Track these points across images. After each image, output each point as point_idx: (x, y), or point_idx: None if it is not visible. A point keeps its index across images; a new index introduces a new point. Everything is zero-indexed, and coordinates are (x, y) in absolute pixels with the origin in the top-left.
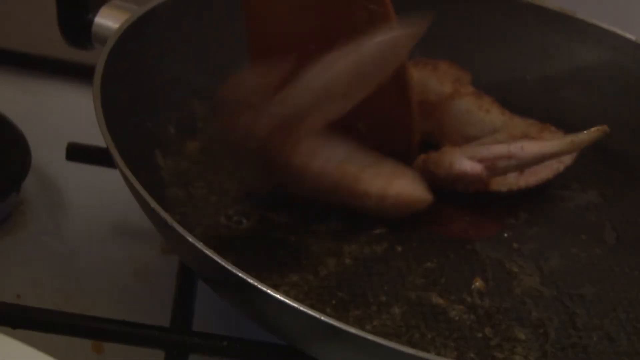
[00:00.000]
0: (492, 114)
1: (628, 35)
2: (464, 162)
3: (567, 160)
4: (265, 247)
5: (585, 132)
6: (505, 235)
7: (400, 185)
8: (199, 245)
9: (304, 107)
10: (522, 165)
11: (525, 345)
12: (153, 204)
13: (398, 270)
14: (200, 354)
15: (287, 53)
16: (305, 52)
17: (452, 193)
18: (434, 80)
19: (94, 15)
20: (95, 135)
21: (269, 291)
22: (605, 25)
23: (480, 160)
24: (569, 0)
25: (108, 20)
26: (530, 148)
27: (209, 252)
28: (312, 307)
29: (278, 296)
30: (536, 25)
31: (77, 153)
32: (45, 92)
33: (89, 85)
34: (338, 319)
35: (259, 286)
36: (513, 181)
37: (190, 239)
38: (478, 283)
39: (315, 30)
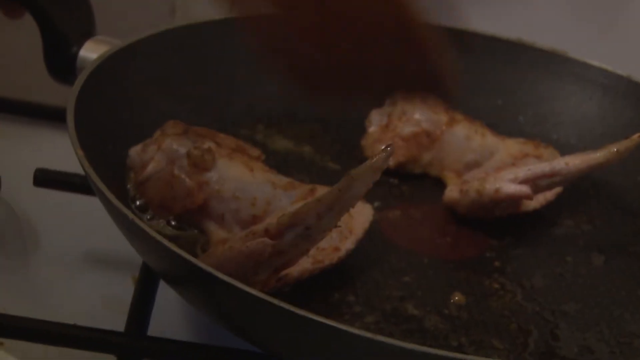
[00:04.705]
0: (487, 138)
1: (619, 72)
2: (511, 186)
3: None
4: None
5: (626, 140)
6: (488, 255)
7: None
8: (165, 242)
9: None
10: (566, 181)
11: (501, 353)
12: (115, 202)
13: (374, 284)
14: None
15: None
16: None
17: (435, 215)
18: (427, 110)
19: (79, 49)
20: (64, 166)
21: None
22: (596, 63)
23: (522, 182)
24: (560, 41)
25: (92, 54)
26: (575, 163)
27: (176, 250)
28: None
29: (251, 292)
30: (528, 65)
31: (45, 179)
32: (15, 130)
33: (60, 124)
34: None
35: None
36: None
37: (155, 235)
38: (457, 297)
39: None
